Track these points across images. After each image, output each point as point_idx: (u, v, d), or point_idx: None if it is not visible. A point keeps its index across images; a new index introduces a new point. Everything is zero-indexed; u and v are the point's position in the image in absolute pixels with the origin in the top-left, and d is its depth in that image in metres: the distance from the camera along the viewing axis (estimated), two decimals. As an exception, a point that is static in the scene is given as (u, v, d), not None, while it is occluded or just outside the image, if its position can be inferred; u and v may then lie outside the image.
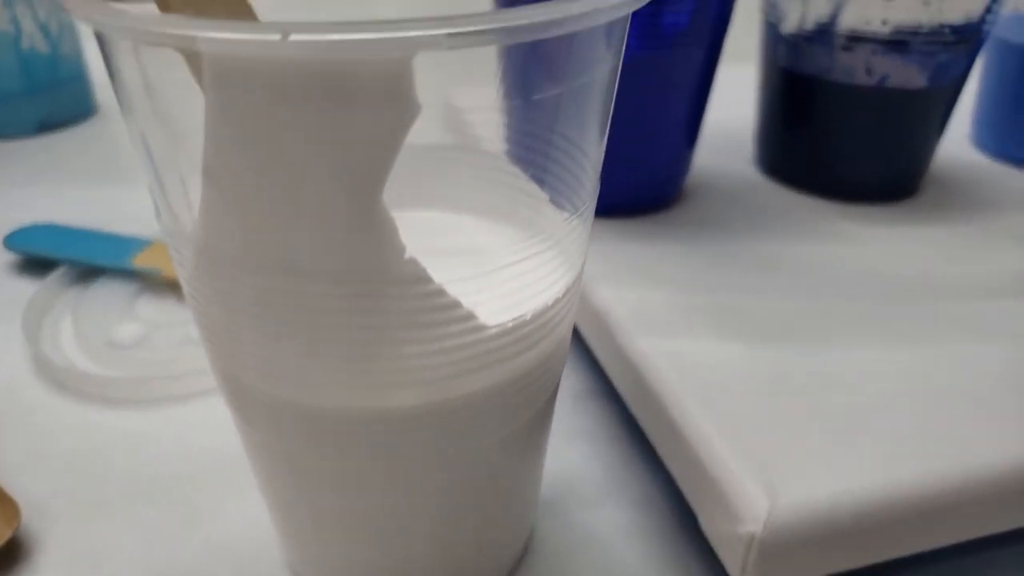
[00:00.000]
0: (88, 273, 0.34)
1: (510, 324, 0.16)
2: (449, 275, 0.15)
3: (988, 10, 0.30)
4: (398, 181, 0.23)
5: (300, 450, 0.17)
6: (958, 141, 0.39)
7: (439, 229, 0.22)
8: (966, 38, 0.30)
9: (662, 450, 0.22)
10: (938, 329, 0.25)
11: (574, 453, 0.26)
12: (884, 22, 0.29)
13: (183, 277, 0.16)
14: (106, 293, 0.32)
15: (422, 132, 0.23)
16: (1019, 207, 0.33)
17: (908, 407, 0.22)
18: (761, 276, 0.28)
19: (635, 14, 0.26)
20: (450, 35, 0.12)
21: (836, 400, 0.22)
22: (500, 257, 0.16)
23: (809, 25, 0.30)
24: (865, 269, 0.28)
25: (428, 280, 0.14)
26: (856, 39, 0.30)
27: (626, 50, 0.27)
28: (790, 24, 0.31)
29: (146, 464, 0.25)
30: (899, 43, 0.29)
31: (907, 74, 0.30)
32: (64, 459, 0.25)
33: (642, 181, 0.30)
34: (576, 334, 0.28)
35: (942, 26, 0.29)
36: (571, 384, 0.29)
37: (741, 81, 0.38)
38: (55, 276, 0.33)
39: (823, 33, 0.30)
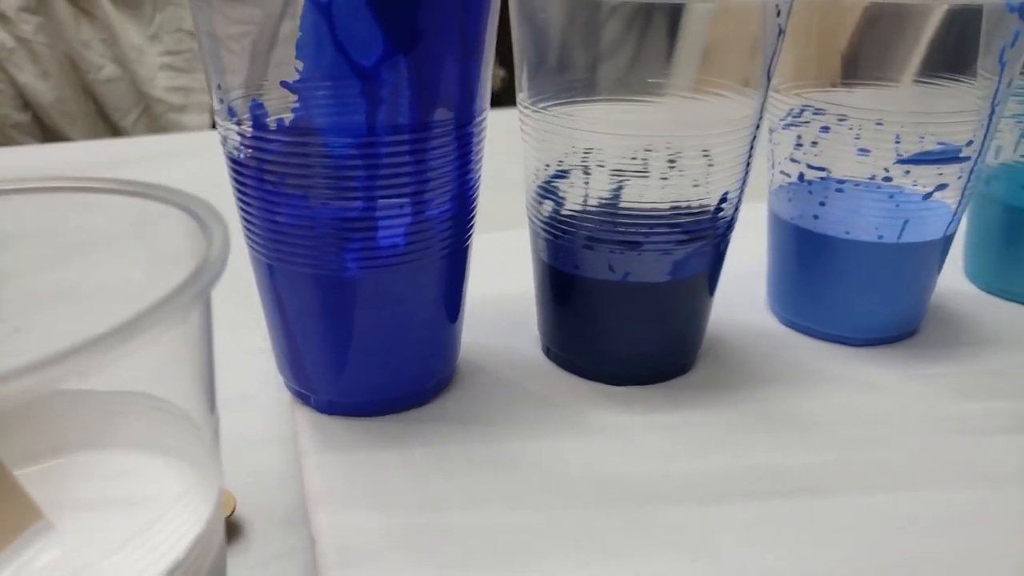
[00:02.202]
0: None
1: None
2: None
3: (718, 209, 0.31)
4: (78, 423, 0.23)
5: None
6: (758, 306, 0.40)
7: (115, 473, 0.23)
8: (700, 235, 0.31)
9: None
10: (649, 543, 0.25)
11: None
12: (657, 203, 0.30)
13: None
14: None
15: (106, 380, 0.24)
16: (787, 382, 0.34)
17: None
18: (496, 482, 0.28)
19: (342, 239, 0.27)
20: None
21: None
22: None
23: (565, 216, 0.32)
24: (604, 469, 0.29)
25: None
26: (595, 239, 0.31)
27: (345, 270, 0.28)
28: (551, 215, 0.32)
29: None
30: (633, 243, 0.30)
31: (647, 271, 0.31)
32: None
33: (392, 381, 0.31)
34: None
35: (671, 228, 0.30)
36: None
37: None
38: None
39: (568, 233, 0.31)
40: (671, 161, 0.30)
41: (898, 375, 0.34)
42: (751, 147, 0.31)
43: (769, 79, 0.30)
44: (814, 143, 0.35)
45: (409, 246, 0.28)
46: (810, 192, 0.35)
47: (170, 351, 0.18)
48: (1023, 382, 0.34)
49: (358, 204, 0.27)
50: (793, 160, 0.35)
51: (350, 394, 0.30)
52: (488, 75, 0.29)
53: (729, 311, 0.38)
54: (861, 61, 0.34)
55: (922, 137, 0.34)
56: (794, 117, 0.36)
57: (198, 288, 0.16)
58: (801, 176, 0.35)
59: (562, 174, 0.32)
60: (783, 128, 0.36)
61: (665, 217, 0.31)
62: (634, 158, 0.31)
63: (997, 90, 0.32)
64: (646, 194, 0.31)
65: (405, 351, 0.30)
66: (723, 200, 0.31)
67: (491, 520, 0.26)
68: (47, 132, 1.48)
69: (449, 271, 0.30)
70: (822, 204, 0.34)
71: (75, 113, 1.50)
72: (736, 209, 0.32)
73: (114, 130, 1.52)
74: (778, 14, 0.28)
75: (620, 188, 0.31)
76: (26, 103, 1.46)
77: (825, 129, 0.35)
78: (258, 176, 0.27)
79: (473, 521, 0.26)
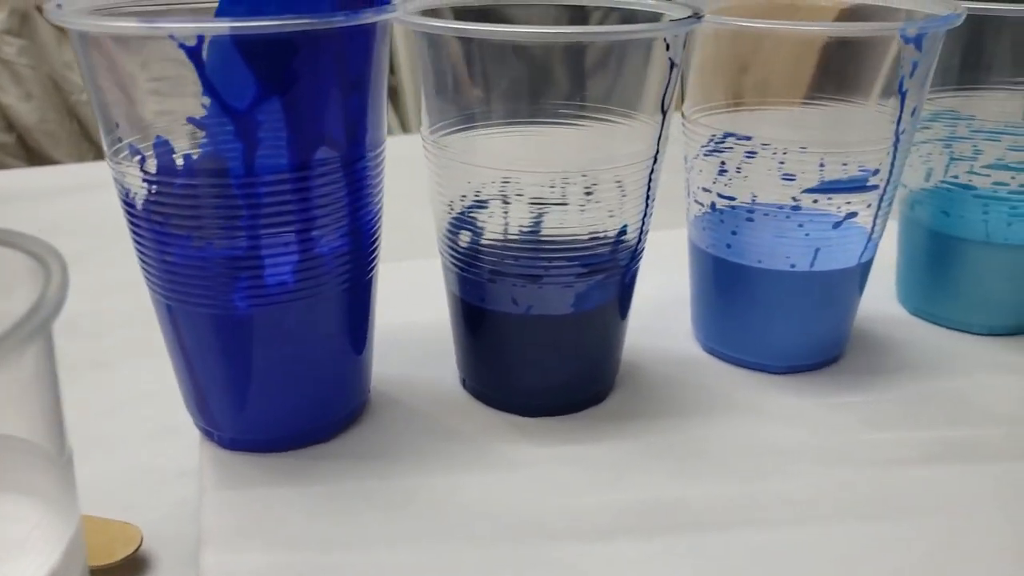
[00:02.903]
0: None
1: None
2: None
3: (618, 241, 0.31)
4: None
5: None
6: (682, 334, 0.39)
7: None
8: (601, 268, 0.31)
9: None
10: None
11: None
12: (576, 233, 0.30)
13: None
14: None
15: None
16: (701, 412, 0.34)
17: None
18: (388, 520, 0.28)
19: (232, 278, 0.27)
20: None
21: None
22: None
23: (473, 251, 0.32)
24: (500, 504, 0.28)
25: None
26: (498, 273, 0.31)
27: (236, 309, 0.28)
28: (469, 246, 0.32)
29: None
30: (535, 276, 0.30)
31: (550, 303, 0.31)
32: None
33: (294, 417, 0.31)
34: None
35: (570, 261, 0.30)
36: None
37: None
38: None
39: (473, 266, 0.31)
40: (588, 191, 0.30)
41: (814, 403, 0.34)
42: (649, 179, 0.31)
43: (664, 111, 0.30)
44: (738, 169, 0.35)
45: (299, 283, 0.28)
46: (722, 221, 0.35)
47: (9, 389, 0.18)
48: (935, 410, 0.34)
49: (243, 243, 0.27)
50: (705, 189, 0.35)
51: (252, 431, 0.30)
52: (380, 110, 0.29)
53: (652, 338, 0.38)
54: (773, 87, 0.34)
55: (845, 164, 0.34)
56: (717, 143, 0.36)
57: (33, 325, 0.16)
58: (713, 205, 0.35)
59: (480, 204, 0.32)
60: (704, 156, 0.36)
61: (574, 248, 0.31)
62: (552, 187, 0.31)
63: (899, 119, 0.32)
64: (565, 223, 0.31)
65: (306, 387, 0.30)
66: (623, 232, 0.31)
67: (378, 559, 0.26)
68: (31, 153, 1.49)
69: (349, 306, 0.30)
70: (734, 233, 0.34)
71: (59, 134, 1.51)
72: (640, 240, 0.32)
73: (98, 151, 1.52)
74: (668, 48, 0.28)
75: (539, 218, 0.31)
76: (10, 124, 1.47)
77: (751, 154, 0.35)
78: (148, 216, 0.27)
79: (361, 560, 0.26)
